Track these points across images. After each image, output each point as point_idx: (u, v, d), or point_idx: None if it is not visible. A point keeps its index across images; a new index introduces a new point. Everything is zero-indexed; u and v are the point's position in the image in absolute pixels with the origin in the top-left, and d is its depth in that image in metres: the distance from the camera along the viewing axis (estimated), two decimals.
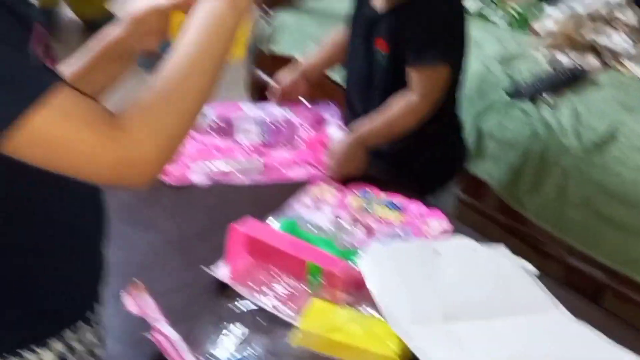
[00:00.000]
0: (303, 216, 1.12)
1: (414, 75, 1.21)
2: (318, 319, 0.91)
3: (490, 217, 1.68)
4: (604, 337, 0.91)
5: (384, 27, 1.22)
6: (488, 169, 1.65)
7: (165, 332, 0.88)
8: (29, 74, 0.62)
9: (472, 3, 2.01)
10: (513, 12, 2.04)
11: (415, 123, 1.22)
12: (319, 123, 1.33)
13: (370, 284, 0.95)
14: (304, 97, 1.37)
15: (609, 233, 1.55)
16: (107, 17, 2.35)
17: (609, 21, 1.90)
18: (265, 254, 1.00)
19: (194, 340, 0.88)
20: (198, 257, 1.03)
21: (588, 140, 1.60)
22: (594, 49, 1.87)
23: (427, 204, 1.16)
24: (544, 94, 1.70)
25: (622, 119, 1.62)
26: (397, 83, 1.22)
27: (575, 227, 1.59)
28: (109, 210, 0.81)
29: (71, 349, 0.76)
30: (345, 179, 1.20)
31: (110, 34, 0.87)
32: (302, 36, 1.97)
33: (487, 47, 1.83)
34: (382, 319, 0.91)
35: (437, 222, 1.12)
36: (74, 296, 0.78)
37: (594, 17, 1.89)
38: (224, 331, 0.90)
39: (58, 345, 0.74)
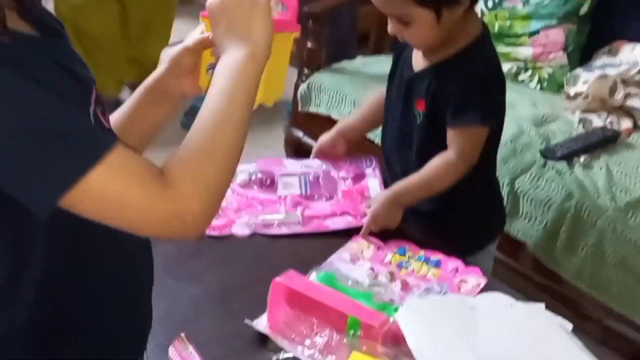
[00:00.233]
0: (341, 270, 1.14)
1: (452, 135, 1.22)
2: None
3: (526, 276, 1.68)
4: None
5: (423, 87, 1.24)
6: (523, 229, 1.66)
7: None
8: (91, 134, 0.66)
9: (506, 66, 2.06)
10: (546, 76, 2.08)
11: (452, 182, 1.23)
12: (358, 176, 1.36)
13: (408, 338, 0.97)
14: (343, 157, 1.40)
15: None
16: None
17: None
18: (306, 307, 1.02)
19: None
20: (239, 309, 1.05)
21: (622, 201, 1.61)
22: (626, 112, 1.90)
23: (465, 262, 1.17)
24: (578, 155, 1.72)
25: None
26: (435, 142, 1.24)
27: (612, 287, 1.58)
28: (155, 262, 0.84)
29: None
30: (383, 235, 1.22)
31: (152, 77, 0.91)
32: (338, 96, 2.03)
33: (521, 108, 1.87)
34: None
35: (474, 278, 1.14)
36: (122, 346, 0.82)
37: (626, 81, 1.92)
38: None
39: None
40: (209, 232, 1.21)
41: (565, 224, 1.63)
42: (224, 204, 1.22)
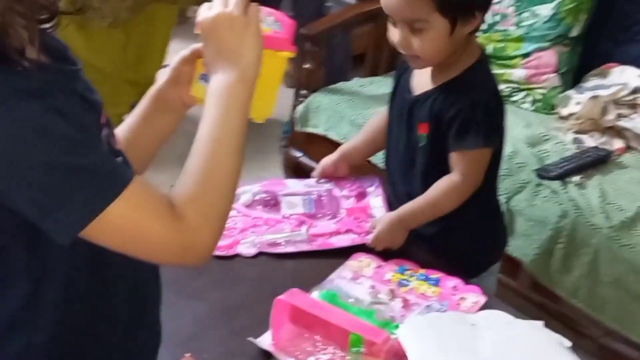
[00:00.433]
0: (342, 288, 1.16)
1: (456, 157, 1.23)
2: None
3: (523, 295, 1.70)
4: None
5: (426, 110, 1.25)
6: (520, 247, 1.68)
7: None
8: (111, 168, 0.69)
9: (500, 87, 2.08)
10: (539, 97, 2.12)
11: (457, 204, 1.24)
12: (361, 195, 1.37)
13: (410, 356, 0.99)
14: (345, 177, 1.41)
15: None
16: None
17: (632, 106, 1.97)
18: (309, 324, 1.04)
19: None
20: (243, 326, 1.07)
21: (616, 220, 1.63)
22: (618, 132, 1.94)
23: (465, 280, 1.19)
24: (572, 175, 1.75)
25: None
26: (439, 164, 1.25)
27: (608, 305, 1.60)
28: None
29: None
30: (384, 254, 1.24)
31: (154, 87, 0.93)
32: (336, 115, 2.06)
33: (515, 129, 1.90)
34: None
35: (473, 296, 1.16)
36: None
37: (617, 102, 1.96)
38: None
39: None
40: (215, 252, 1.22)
41: (560, 242, 1.65)
42: (228, 224, 1.23)
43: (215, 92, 0.77)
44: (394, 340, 1.01)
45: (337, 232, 1.28)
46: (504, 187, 1.72)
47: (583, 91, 2.03)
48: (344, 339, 1.01)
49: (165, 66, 2.47)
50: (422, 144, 1.27)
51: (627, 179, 1.77)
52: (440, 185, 1.24)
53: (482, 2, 1.22)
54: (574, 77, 2.14)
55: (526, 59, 2.12)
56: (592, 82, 2.07)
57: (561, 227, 1.65)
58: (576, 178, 1.75)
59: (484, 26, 2.17)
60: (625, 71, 2.04)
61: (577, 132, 1.94)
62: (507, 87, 2.13)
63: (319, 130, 2.09)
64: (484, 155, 1.24)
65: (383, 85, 2.02)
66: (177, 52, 0.94)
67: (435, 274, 1.20)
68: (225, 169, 0.74)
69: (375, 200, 1.35)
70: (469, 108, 1.21)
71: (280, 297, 1.04)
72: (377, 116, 1.44)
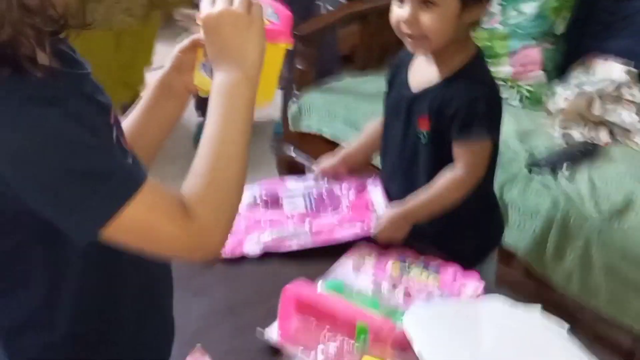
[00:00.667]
0: (345, 279, 1.18)
1: (459, 150, 1.24)
2: None
3: (518, 284, 1.73)
4: None
5: (426, 106, 1.26)
6: (514, 238, 1.72)
7: None
8: (125, 171, 0.70)
9: None
10: (527, 93, 2.16)
11: (461, 196, 1.25)
12: (360, 189, 1.38)
13: (416, 344, 1.01)
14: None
15: (635, 298, 1.60)
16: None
17: (617, 99, 2.02)
18: (316, 315, 1.06)
19: None
20: (249, 321, 1.08)
21: (606, 208, 1.67)
22: (604, 125, 1.99)
23: (463, 267, 1.22)
24: (562, 167, 1.80)
25: (636, 190, 1.71)
26: (442, 160, 1.26)
27: (601, 292, 1.64)
28: None
29: None
30: (387, 245, 1.26)
31: (159, 74, 0.93)
32: (329, 113, 2.08)
33: (505, 125, 1.92)
34: None
35: (473, 282, 1.19)
36: (146, 357, 0.86)
37: (603, 96, 2.01)
38: None
39: None
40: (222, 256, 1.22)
41: (552, 232, 1.69)
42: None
43: (219, 91, 0.78)
44: (399, 329, 1.04)
45: (339, 226, 1.29)
46: (496, 179, 1.75)
47: (569, 86, 2.08)
48: (350, 329, 1.03)
49: (154, 68, 2.50)
50: (424, 142, 1.27)
51: (615, 170, 1.81)
52: (444, 179, 1.25)
53: None
54: (559, 73, 2.18)
55: (513, 56, 2.16)
56: (577, 77, 2.11)
57: (553, 217, 1.69)
58: (566, 171, 1.79)
59: None
60: (608, 64, 2.09)
61: (564, 127, 1.98)
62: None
63: (312, 129, 2.11)
64: (487, 147, 1.26)
65: (374, 82, 2.04)
66: (163, 53, 0.94)
67: (434, 261, 1.23)
68: (232, 168, 0.76)
69: (375, 192, 1.36)
70: (472, 101, 1.22)
71: (288, 286, 1.06)
72: (375, 120, 1.44)
